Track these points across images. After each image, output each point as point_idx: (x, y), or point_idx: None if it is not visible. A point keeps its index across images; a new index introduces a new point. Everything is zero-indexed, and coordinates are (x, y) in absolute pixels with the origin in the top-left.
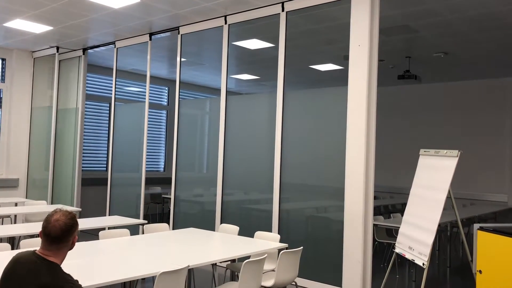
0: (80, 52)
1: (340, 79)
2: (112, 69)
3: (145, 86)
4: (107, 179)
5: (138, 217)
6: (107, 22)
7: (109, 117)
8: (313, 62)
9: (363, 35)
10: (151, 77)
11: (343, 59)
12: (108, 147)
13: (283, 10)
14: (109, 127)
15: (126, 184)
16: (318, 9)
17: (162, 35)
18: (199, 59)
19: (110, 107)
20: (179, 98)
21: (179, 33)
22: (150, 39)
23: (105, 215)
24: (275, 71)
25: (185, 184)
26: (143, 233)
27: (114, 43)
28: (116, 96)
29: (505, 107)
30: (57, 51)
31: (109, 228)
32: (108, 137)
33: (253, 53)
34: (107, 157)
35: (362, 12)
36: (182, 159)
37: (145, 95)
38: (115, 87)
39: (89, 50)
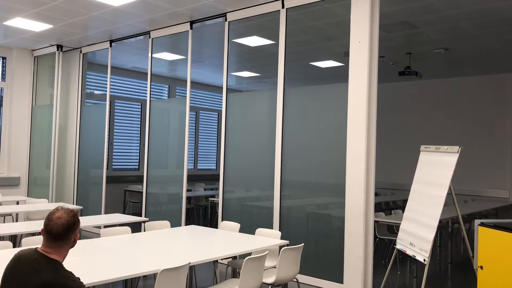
0: (80, 50)
1: (341, 75)
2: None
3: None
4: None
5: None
6: (107, 20)
7: (80, 116)
8: (314, 59)
9: (363, 31)
10: (152, 74)
11: (344, 56)
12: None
13: (283, 7)
14: (80, 126)
15: (91, 182)
16: (318, 5)
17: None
18: (200, 57)
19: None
20: (150, 96)
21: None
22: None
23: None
24: (275, 68)
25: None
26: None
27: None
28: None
29: (506, 102)
30: (57, 50)
31: (105, 226)
32: (79, 136)
33: (253, 50)
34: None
35: (362, 9)
36: (153, 157)
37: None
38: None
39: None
